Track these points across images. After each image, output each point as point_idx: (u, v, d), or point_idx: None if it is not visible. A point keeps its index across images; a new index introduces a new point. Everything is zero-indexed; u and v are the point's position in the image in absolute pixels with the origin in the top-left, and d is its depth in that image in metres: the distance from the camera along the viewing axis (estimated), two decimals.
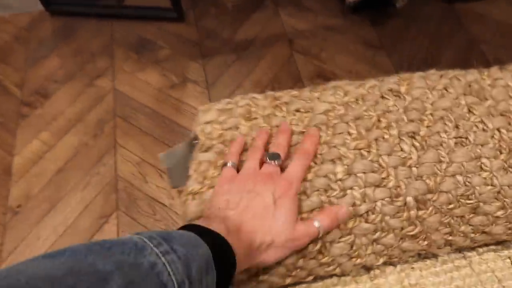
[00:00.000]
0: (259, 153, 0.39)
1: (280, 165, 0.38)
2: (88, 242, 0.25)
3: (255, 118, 0.45)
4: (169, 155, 0.48)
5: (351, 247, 0.39)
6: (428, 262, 0.45)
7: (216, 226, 0.32)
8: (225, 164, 0.39)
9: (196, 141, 0.47)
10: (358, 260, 0.40)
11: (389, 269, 0.44)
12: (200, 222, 0.34)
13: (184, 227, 0.32)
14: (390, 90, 0.44)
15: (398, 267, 0.45)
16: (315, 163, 0.39)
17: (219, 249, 0.30)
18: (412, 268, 0.45)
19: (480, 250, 0.45)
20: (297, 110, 0.45)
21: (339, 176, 0.38)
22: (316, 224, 0.36)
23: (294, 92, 0.47)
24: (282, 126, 0.42)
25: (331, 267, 0.40)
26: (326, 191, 0.38)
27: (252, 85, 1.29)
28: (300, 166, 0.38)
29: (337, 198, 0.38)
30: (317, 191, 0.38)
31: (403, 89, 0.44)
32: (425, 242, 0.40)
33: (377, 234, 0.38)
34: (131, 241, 0.25)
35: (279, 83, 1.29)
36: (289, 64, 1.33)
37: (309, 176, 0.38)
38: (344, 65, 1.31)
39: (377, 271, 0.45)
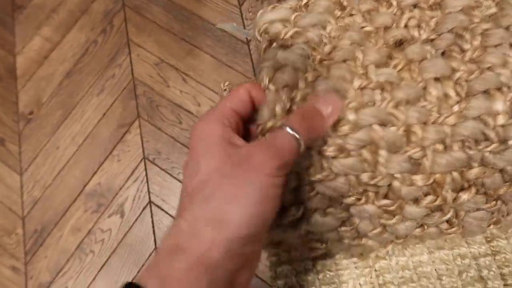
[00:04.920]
0: None
1: None
2: None
3: (351, 15, 0.29)
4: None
5: (492, 214, 0.27)
6: None
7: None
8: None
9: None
10: (492, 226, 0.29)
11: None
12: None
13: None
14: None
15: None
16: (458, 95, 0.25)
17: None
18: None
19: None
20: (416, 6, 0.29)
21: (500, 119, 0.24)
22: (289, 131, 0.23)
23: None
24: None
25: (452, 234, 0.29)
26: (477, 142, 0.25)
27: None
28: None
29: (494, 153, 0.25)
30: (462, 142, 0.25)
31: None
32: None
33: None
34: None
35: None
36: None
37: (451, 118, 0.25)
38: None
39: (494, 230, 0.34)
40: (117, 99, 0.99)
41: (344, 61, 0.27)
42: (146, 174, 0.93)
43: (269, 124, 0.25)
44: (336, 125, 0.25)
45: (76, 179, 0.95)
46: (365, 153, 0.26)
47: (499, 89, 0.25)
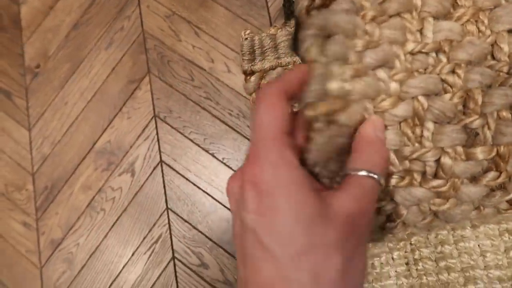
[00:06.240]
0: None
1: None
2: None
3: None
4: None
5: None
6: None
7: None
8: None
9: None
10: None
11: None
12: None
13: None
14: None
15: None
16: None
17: None
18: None
19: None
20: None
21: None
22: (364, 173, 0.20)
23: None
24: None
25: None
26: None
27: None
28: None
29: None
30: None
31: None
32: None
33: None
34: None
35: None
36: None
37: None
38: None
39: None
40: (127, 53, 0.94)
41: (398, 14, 0.22)
42: (157, 133, 0.90)
43: (323, 107, 0.20)
44: (375, 99, 0.21)
45: (85, 136, 0.93)
46: (405, 127, 0.22)
47: None
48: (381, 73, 0.21)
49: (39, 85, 0.97)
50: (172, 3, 0.95)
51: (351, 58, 0.21)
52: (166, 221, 0.87)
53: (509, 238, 0.31)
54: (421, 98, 0.21)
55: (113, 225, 0.89)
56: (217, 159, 0.86)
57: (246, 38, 0.37)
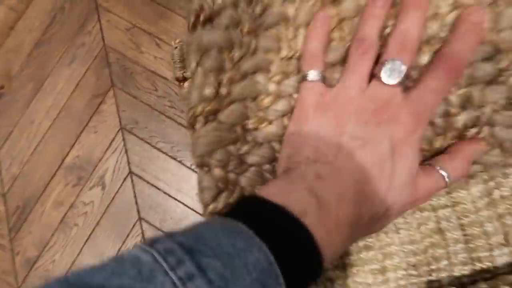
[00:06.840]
0: (367, 58, 0.22)
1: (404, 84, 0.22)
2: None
3: None
4: None
5: None
6: None
7: (295, 196, 0.20)
8: (304, 76, 0.23)
9: None
10: None
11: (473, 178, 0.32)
12: (270, 185, 0.21)
13: (239, 203, 0.21)
14: None
15: (485, 174, 0.32)
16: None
17: (292, 246, 0.18)
18: (506, 174, 0.32)
19: None
20: None
21: None
22: (444, 174, 0.24)
23: None
24: None
25: None
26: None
27: None
28: (437, 89, 0.22)
29: None
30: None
31: None
32: None
33: None
34: (135, 261, 0.15)
35: None
36: None
37: None
38: None
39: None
40: (90, 68, 0.95)
41: (273, 26, 0.25)
42: (125, 145, 0.91)
43: (199, 109, 0.24)
44: (257, 99, 0.24)
45: (53, 154, 0.93)
46: (287, 121, 0.25)
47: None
48: (259, 77, 0.24)
49: (5, 106, 0.98)
50: (132, 16, 0.96)
51: (228, 67, 0.23)
52: (140, 231, 0.88)
53: (420, 215, 0.34)
54: (296, 95, 0.24)
55: (87, 239, 0.89)
56: (185, 166, 0.88)
57: (176, 47, 0.38)
